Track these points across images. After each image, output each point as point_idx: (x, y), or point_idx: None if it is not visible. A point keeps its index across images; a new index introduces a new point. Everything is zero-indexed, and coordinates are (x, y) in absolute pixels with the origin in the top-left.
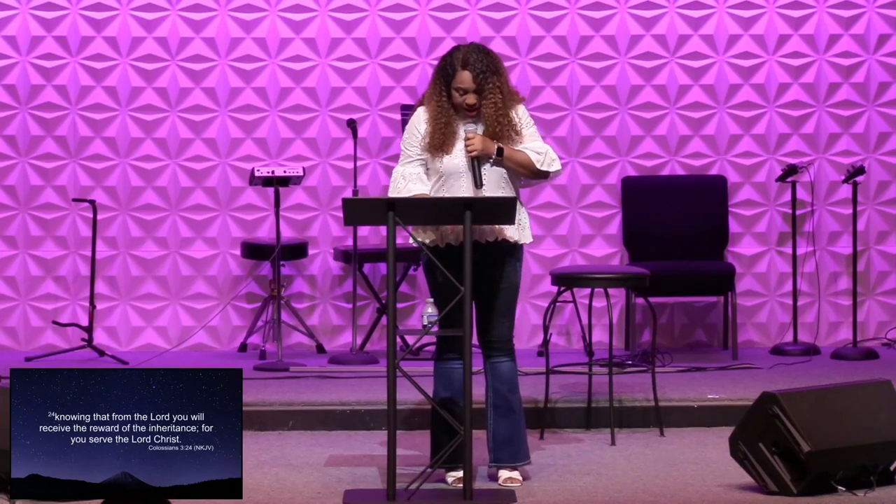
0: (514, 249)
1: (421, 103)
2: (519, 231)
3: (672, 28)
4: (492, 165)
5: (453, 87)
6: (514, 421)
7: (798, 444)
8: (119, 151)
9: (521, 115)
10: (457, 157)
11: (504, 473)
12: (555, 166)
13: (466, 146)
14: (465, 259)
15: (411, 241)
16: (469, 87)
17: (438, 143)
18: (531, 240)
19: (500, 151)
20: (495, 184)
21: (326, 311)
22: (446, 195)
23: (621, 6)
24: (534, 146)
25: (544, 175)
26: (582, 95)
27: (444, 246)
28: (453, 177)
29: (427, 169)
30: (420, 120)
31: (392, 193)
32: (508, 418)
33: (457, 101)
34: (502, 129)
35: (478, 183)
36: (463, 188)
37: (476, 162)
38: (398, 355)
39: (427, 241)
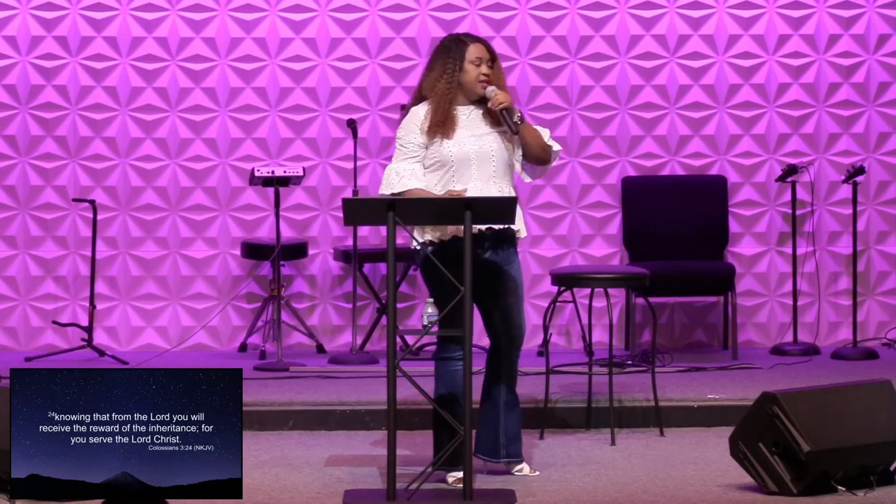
0: (515, 240)
1: (413, 104)
2: (519, 222)
3: (672, 28)
4: (521, 122)
5: (468, 61)
6: (518, 416)
7: (798, 444)
8: (119, 151)
9: None
10: (465, 145)
11: (525, 466)
12: (556, 146)
13: (495, 98)
14: (465, 259)
15: (414, 244)
16: (485, 56)
17: (440, 119)
18: (525, 234)
19: (521, 115)
20: (502, 175)
21: (326, 311)
22: (457, 186)
23: (621, 6)
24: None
25: (547, 154)
26: (582, 95)
27: (450, 239)
28: (463, 165)
29: (429, 164)
30: (418, 116)
31: (385, 190)
32: (514, 413)
33: (470, 77)
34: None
35: (514, 129)
36: (473, 177)
37: (506, 112)
38: (398, 355)
39: (430, 238)
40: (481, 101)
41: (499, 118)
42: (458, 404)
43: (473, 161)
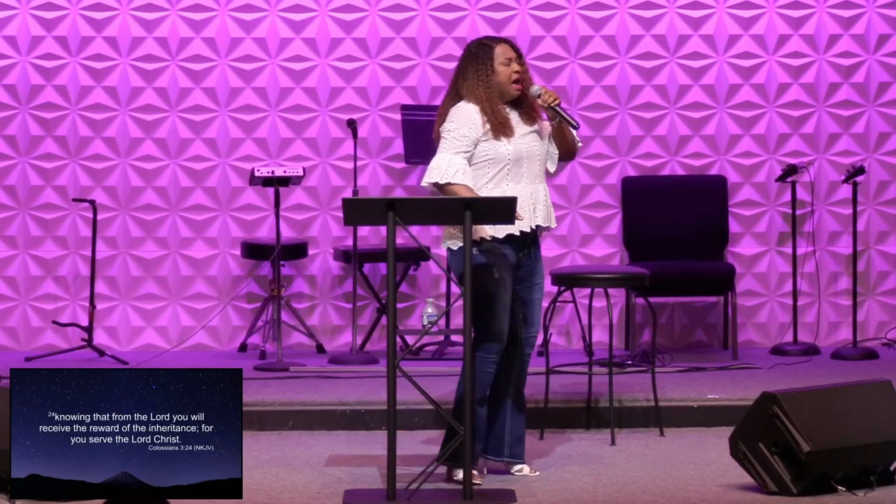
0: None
1: (452, 103)
2: (552, 217)
3: (672, 28)
4: (562, 121)
5: (499, 63)
6: (524, 418)
7: (798, 444)
8: (119, 151)
9: None
10: (518, 145)
11: (525, 467)
12: (579, 141)
13: (547, 95)
14: (465, 259)
15: (457, 245)
16: (513, 55)
17: (501, 120)
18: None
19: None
20: (544, 174)
21: (326, 311)
22: (510, 184)
23: (621, 6)
24: None
25: (576, 149)
26: (582, 95)
27: (504, 237)
28: (517, 165)
29: (478, 161)
30: (472, 112)
31: (440, 179)
32: (521, 415)
33: (503, 78)
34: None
35: (575, 123)
36: (524, 176)
37: (561, 108)
38: (398, 355)
39: (482, 235)
40: (516, 103)
41: (537, 115)
42: (480, 406)
43: (525, 161)
